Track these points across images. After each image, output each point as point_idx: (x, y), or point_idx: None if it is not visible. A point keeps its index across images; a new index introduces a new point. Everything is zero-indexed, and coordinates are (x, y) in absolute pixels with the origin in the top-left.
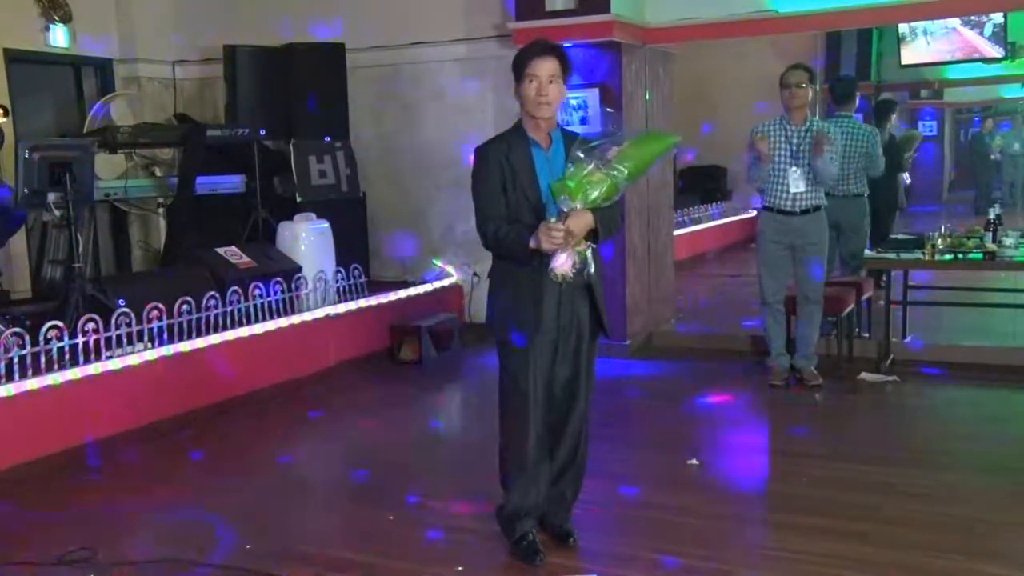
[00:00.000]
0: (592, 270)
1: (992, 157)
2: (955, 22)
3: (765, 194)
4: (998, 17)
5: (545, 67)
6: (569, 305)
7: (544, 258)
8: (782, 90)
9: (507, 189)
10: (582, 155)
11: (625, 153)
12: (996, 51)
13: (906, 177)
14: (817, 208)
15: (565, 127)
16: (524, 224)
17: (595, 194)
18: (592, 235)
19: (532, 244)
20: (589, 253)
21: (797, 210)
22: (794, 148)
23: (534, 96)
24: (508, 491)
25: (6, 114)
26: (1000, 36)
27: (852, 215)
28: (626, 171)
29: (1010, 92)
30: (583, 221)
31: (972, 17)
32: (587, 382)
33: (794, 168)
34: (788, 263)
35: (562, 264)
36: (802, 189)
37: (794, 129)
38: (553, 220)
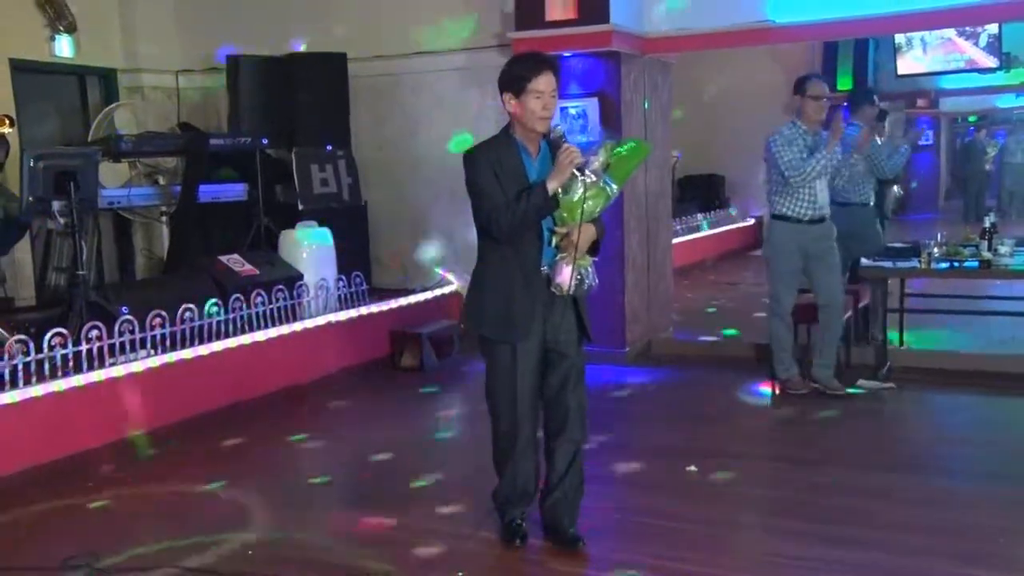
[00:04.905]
0: (595, 283)
1: (987, 167)
2: (950, 32)
3: (781, 204)
4: (993, 28)
5: (550, 83)
6: (555, 311)
7: (537, 264)
8: (810, 101)
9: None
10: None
11: (613, 166)
12: (991, 61)
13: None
14: (826, 217)
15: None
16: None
17: (596, 207)
18: (593, 248)
19: (551, 185)
20: (591, 266)
21: (817, 218)
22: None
23: (540, 112)
24: (500, 477)
25: (12, 124)
26: (995, 47)
27: (857, 224)
28: (616, 185)
29: (1005, 102)
30: (587, 234)
31: (967, 28)
32: (579, 390)
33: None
34: (801, 272)
35: (565, 278)
36: (826, 197)
37: (811, 139)
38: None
